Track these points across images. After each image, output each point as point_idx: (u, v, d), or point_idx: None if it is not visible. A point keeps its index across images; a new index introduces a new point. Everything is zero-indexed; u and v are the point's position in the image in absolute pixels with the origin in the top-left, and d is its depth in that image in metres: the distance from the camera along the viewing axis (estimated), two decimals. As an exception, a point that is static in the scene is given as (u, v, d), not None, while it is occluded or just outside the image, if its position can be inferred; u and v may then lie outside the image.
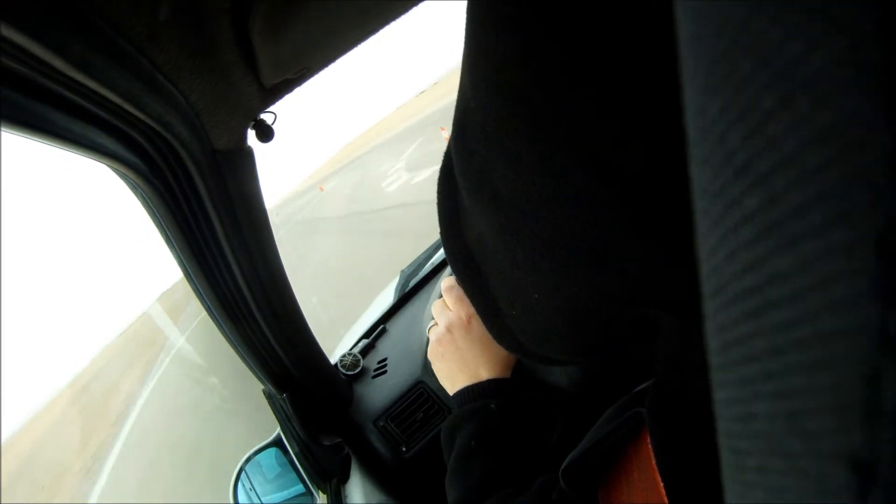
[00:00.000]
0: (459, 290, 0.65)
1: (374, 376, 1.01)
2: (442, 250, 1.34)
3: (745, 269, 0.09)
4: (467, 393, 0.57)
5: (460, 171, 0.29)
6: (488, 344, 0.59)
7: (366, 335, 1.12)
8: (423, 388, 0.93)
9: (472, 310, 0.62)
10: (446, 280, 0.68)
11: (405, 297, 1.20)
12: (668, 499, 0.29)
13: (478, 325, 0.61)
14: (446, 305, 0.65)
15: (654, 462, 0.31)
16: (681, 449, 0.30)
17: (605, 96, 0.20)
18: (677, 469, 0.29)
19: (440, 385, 0.66)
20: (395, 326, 1.13)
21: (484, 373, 0.57)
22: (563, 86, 0.20)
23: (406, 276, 1.39)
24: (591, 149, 0.21)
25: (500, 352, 0.59)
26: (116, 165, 0.46)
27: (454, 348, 0.61)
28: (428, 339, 0.98)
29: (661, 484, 0.30)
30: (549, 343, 0.33)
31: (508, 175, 0.25)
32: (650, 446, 0.32)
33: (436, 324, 0.66)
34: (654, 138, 0.20)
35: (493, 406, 0.54)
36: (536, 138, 0.23)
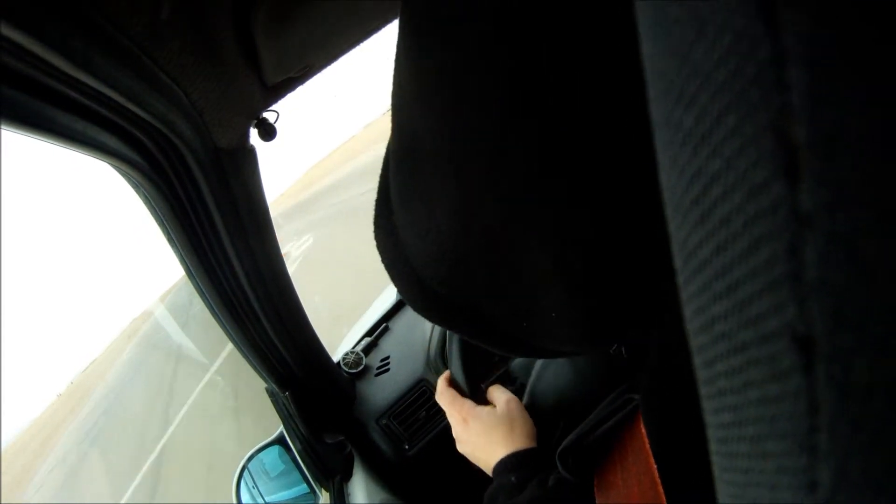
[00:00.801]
0: (449, 395, 0.69)
1: (377, 374, 1.01)
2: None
3: (691, 182, 0.10)
4: (493, 472, 0.60)
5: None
6: (489, 431, 0.62)
7: (368, 333, 1.12)
8: (426, 386, 0.93)
9: (463, 410, 0.65)
10: (439, 384, 0.70)
11: (408, 296, 1.19)
12: (661, 481, 0.30)
13: (473, 420, 0.64)
14: (449, 413, 0.69)
15: (647, 446, 0.32)
16: (674, 433, 0.30)
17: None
18: (670, 452, 0.30)
19: None
20: (398, 324, 1.13)
21: (501, 452, 0.60)
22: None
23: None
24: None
25: (505, 430, 0.62)
26: (119, 164, 0.46)
27: (470, 446, 0.65)
28: (430, 339, 0.99)
29: (655, 466, 0.31)
30: (562, 338, 0.32)
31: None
32: (644, 431, 0.33)
33: None
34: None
35: (512, 479, 0.56)
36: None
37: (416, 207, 0.28)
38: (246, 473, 0.88)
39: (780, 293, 0.08)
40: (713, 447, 0.11)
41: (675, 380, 0.31)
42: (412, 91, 0.24)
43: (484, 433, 0.63)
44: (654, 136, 0.11)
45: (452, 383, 0.71)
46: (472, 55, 0.20)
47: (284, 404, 0.86)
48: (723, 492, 0.11)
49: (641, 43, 0.11)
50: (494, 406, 0.65)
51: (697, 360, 0.11)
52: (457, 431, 0.66)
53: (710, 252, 0.10)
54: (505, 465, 0.58)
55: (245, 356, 0.81)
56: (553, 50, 0.18)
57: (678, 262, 0.11)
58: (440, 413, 0.90)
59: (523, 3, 0.18)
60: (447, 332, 0.77)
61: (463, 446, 0.66)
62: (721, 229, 0.09)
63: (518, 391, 0.69)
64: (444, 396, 0.69)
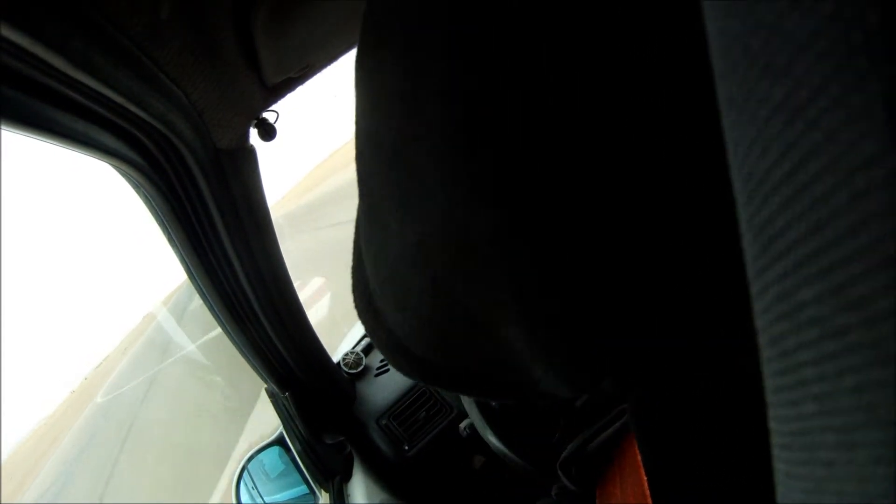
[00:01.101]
0: None
1: (377, 375, 1.01)
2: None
3: (780, 159, 0.09)
4: None
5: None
6: None
7: (368, 334, 1.12)
8: (426, 387, 0.93)
9: None
10: None
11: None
12: (651, 492, 0.30)
13: None
14: None
15: (640, 459, 0.32)
16: (663, 445, 0.30)
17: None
18: (659, 463, 0.30)
19: None
20: None
21: None
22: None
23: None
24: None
25: None
26: (119, 164, 0.46)
27: None
28: None
29: (646, 480, 0.31)
30: (548, 376, 0.33)
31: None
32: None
33: None
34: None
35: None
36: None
37: (387, 281, 0.27)
38: (246, 474, 0.88)
39: (891, 273, 0.08)
40: (780, 444, 0.11)
41: (663, 393, 0.31)
42: (362, 129, 0.23)
43: None
44: (724, 116, 0.11)
45: None
46: (426, 71, 0.18)
47: (284, 405, 0.86)
48: (791, 489, 0.11)
49: (708, 20, 0.11)
50: None
51: (771, 352, 0.11)
52: None
53: (801, 233, 0.09)
54: None
55: (245, 357, 0.81)
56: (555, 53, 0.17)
57: (753, 250, 0.11)
58: (440, 413, 0.90)
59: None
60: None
61: None
62: (818, 207, 0.09)
63: None
64: None
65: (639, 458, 0.33)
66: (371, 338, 0.33)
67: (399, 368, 0.31)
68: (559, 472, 0.40)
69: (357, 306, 0.32)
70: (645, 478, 0.31)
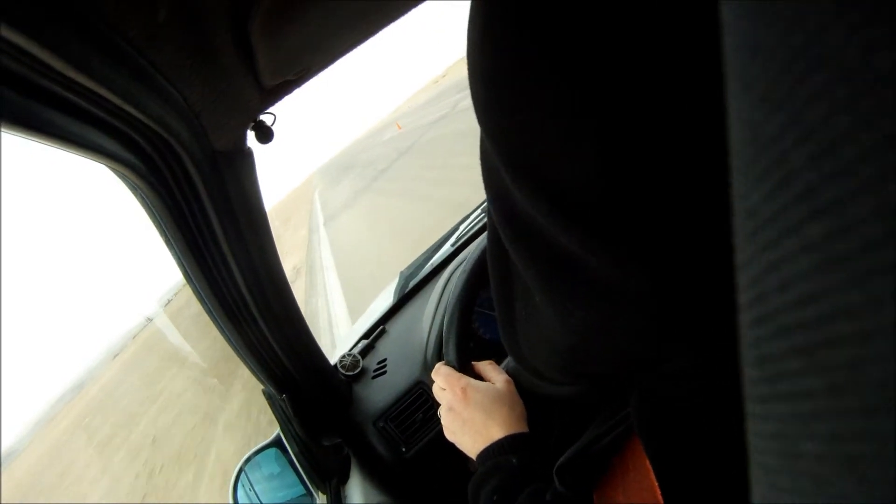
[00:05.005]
0: (445, 369, 0.68)
1: (374, 377, 1.01)
2: (440, 252, 1.35)
3: (801, 301, 0.08)
4: (486, 452, 0.57)
5: (485, 182, 0.31)
6: (490, 406, 0.60)
7: (365, 336, 1.12)
8: (423, 389, 0.93)
9: (463, 381, 0.64)
10: (436, 366, 0.70)
11: (404, 298, 1.20)
12: (664, 496, 0.29)
13: (473, 392, 0.62)
14: (441, 388, 0.67)
15: (648, 462, 0.32)
16: (672, 450, 0.30)
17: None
18: (671, 470, 0.30)
19: None
20: (395, 327, 1.13)
21: (497, 433, 0.58)
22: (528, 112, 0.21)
23: (405, 278, 1.39)
24: (552, 182, 0.22)
25: (505, 410, 0.60)
26: (116, 166, 0.46)
27: (461, 422, 0.62)
28: (427, 342, 0.99)
29: (657, 485, 0.30)
30: (538, 355, 0.34)
31: (507, 193, 0.26)
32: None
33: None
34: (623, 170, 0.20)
35: (513, 461, 0.54)
36: (511, 170, 0.24)
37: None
38: (243, 476, 0.88)
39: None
40: (759, 444, 0.11)
41: (665, 399, 0.31)
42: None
43: (482, 408, 0.60)
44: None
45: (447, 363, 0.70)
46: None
47: (282, 407, 0.85)
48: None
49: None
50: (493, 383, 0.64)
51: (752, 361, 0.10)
52: (451, 406, 0.63)
53: (813, 387, 0.08)
54: (505, 446, 0.56)
55: (242, 359, 0.81)
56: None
57: (750, 369, 0.10)
58: (437, 416, 0.90)
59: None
60: (444, 329, 0.77)
61: (453, 422, 0.63)
62: (840, 371, 0.08)
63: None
64: (441, 370, 0.68)
65: (644, 461, 0.33)
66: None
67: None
68: (554, 477, 0.40)
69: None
70: (654, 480, 0.31)
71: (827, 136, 0.08)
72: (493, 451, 0.57)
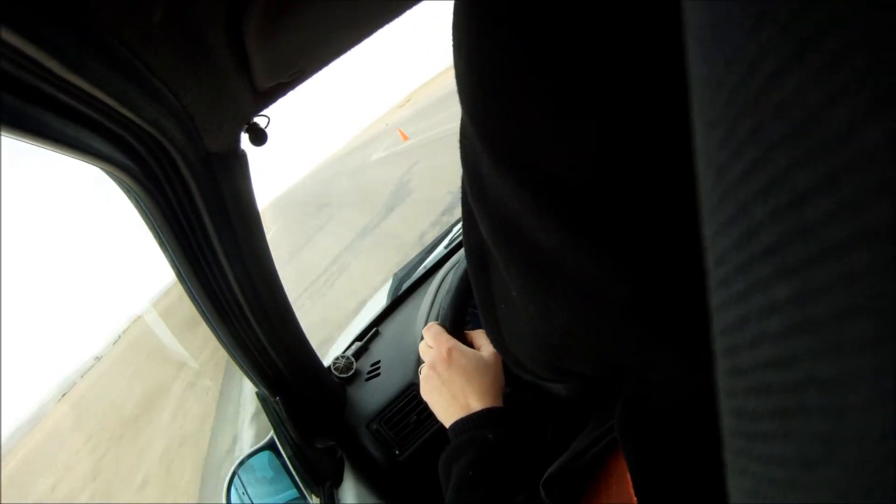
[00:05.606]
0: (436, 328, 0.67)
1: (368, 379, 1.01)
2: (434, 254, 1.35)
3: (772, 364, 0.08)
4: (461, 424, 0.56)
5: (462, 169, 0.30)
6: (472, 373, 0.60)
7: (359, 338, 1.12)
8: (416, 391, 0.93)
9: (450, 342, 0.63)
10: (428, 325, 0.70)
11: (398, 300, 1.20)
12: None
13: (458, 355, 0.62)
14: (428, 346, 0.66)
15: (628, 474, 0.32)
16: (652, 461, 0.30)
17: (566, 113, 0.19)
18: (650, 481, 0.30)
19: None
20: (388, 329, 1.13)
21: (474, 403, 0.58)
22: (523, 108, 0.20)
23: (399, 280, 1.39)
24: (546, 172, 0.21)
25: (486, 380, 0.60)
26: (110, 168, 0.46)
27: (440, 383, 0.61)
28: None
29: (635, 497, 0.30)
30: (520, 348, 0.34)
31: (489, 185, 0.25)
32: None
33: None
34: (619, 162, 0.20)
35: (489, 436, 0.53)
36: (495, 158, 0.23)
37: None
38: (236, 479, 0.88)
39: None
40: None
41: (649, 408, 0.30)
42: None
43: (463, 373, 0.60)
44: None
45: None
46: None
47: (275, 409, 0.85)
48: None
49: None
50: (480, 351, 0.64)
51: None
52: (433, 364, 0.63)
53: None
54: (481, 420, 0.56)
55: (236, 361, 0.80)
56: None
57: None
58: (430, 418, 0.90)
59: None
60: (441, 294, 0.77)
61: (432, 380, 0.62)
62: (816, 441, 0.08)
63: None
64: (433, 328, 0.67)
65: (626, 474, 0.33)
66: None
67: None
68: (541, 490, 0.39)
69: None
70: (632, 491, 0.31)
71: (788, 193, 0.07)
72: (469, 425, 0.56)
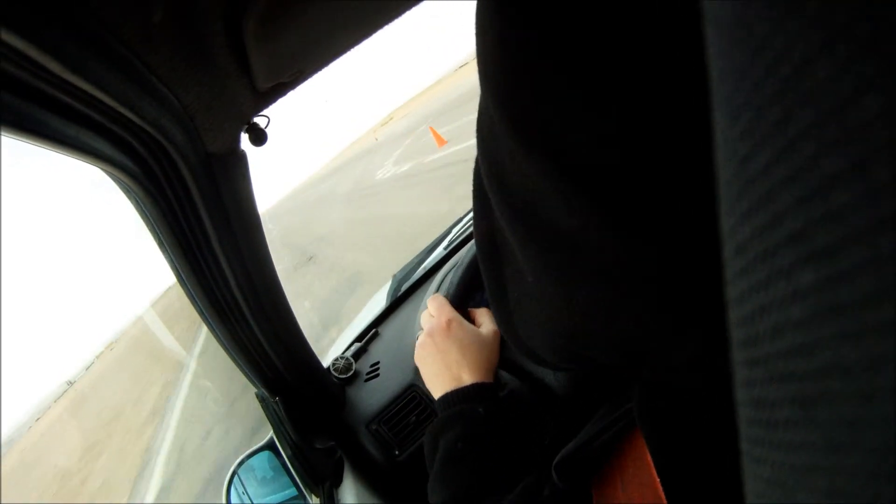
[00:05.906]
0: (441, 299, 0.68)
1: (367, 380, 1.01)
2: (433, 255, 1.35)
3: (794, 351, 0.08)
4: (452, 397, 0.57)
5: (480, 156, 0.30)
6: (468, 347, 0.60)
7: (358, 339, 1.12)
8: (416, 392, 0.93)
9: (452, 314, 0.63)
10: (433, 296, 0.70)
11: (397, 302, 1.20)
12: (665, 490, 0.29)
13: (457, 328, 0.62)
14: (430, 314, 0.66)
15: (649, 458, 0.31)
16: (675, 445, 0.30)
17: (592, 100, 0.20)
18: (674, 465, 0.30)
19: None
20: (388, 330, 1.13)
21: (466, 377, 0.58)
22: (546, 90, 0.21)
23: (398, 281, 1.39)
24: (568, 154, 0.21)
25: (481, 356, 0.60)
26: (110, 168, 0.46)
27: (435, 351, 0.62)
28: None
29: (658, 480, 0.30)
30: (535, 336, 0.34)
31: (510, 170, 0.25)
32: (644, 442, 0.32)
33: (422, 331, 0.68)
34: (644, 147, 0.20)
35: (480, 410, 0.54)
36: (521, 140, 0.23)
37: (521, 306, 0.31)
38: (236, 479, 0.88)
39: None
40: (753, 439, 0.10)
41: (669, 392, 0.30)
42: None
43: (459, 345, 0.60)
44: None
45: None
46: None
47: (275, 410, 0.85)
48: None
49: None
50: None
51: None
52: (431, 332, 0.63)
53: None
54: (472, 393, 0.56)
55: (236, 361, 0.80)
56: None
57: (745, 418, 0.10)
58: (430, 418, 0.90)
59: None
60: (449, 274, 0.77)
61: (427, 347, 0.62)
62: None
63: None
64: (437, 298, 0.68)
65: (646, 456, 0.33)
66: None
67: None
68: (553, 472, 0.39)
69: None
70: (655, 476, 0.30)
71: (815, 179, 0.07)
72: (459, 397, 0.56)
